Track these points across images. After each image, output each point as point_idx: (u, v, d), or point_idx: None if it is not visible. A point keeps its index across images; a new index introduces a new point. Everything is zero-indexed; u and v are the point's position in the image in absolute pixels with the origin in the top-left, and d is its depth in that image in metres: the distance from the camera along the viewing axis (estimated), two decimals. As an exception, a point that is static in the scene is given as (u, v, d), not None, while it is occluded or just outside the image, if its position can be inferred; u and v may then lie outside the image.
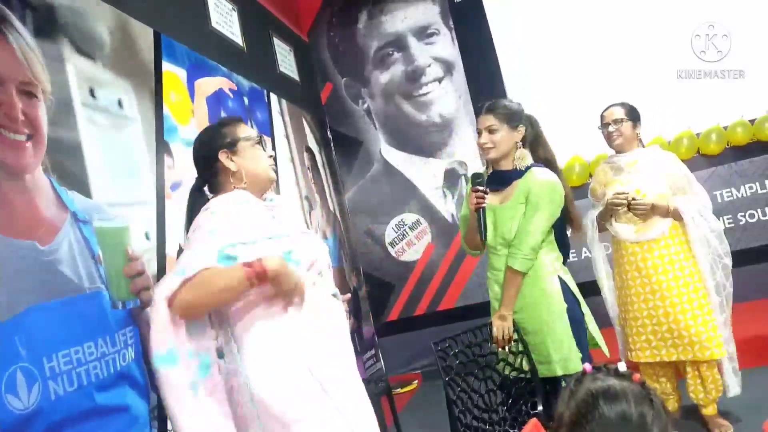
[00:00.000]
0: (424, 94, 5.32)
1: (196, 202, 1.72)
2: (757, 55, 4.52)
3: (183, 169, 2.83)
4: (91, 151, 2.25)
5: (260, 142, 1.74)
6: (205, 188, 1.76)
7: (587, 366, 1.07)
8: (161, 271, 2.49)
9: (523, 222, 2.33)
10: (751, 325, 3.79)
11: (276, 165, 1.88)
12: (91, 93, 2.34)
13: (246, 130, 1.74)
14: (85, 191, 2.18)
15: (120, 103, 2.52)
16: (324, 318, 1.65)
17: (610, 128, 2.96)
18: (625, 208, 2.81)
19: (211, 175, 1.69)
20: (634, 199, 2.78)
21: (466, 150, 5.20)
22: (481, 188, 2.33)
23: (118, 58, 2.57)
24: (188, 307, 1.52)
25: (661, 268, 2.76)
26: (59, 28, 2.24)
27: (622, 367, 1.06)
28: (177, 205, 2.71)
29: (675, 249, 2.77)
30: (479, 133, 2.43)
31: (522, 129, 2.45)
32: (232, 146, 1.68)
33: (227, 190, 1.71)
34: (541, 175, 2.37)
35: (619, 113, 2.97)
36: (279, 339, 1.57)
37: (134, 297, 2.30)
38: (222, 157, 1.67)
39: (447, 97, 5.28)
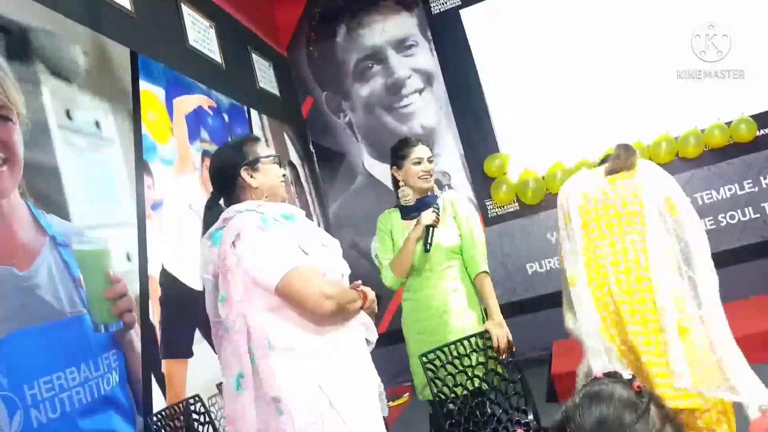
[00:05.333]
0: (405, 106, 5.34)
1: (212, 216, 1.76)
2: (756, 55, 4.55)
3: (163, 189, 2.81)
4: (69, 173, 2.22)
5: (277, 161, 1.82)
6: (221, 203, 1.81)
7: (599, 372, 1.07)
8: (144, 293, 2.46)
9: (468, 233, 2.50)
10: (731, 326, 3.82)
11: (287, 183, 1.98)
12: (68, 115, 2.32)
13: (265, 149, 1.82)
14: (64, 214, 2.15)
15: (97, 124, 2.50)
16: (347, 338, 1.69)
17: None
18: None
19: (230, 191, 1.75)
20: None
21: (448, 161, 5.22)
22: (438, 210, 2.46)
23: (95, 78, 2.55)
24: (339, 311, 1.62)
25: None
26: (33, 50, 2.22)
27: (626, 374, 1.05)
28: (158, 225, 2.69)
29: None
30: (420, 161, 2.53)
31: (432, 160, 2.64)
32: (253, 164, 1.75)
33: None
34: (455, 194, 2.66)
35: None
36: (302, 348, 1.60)
37: (117, 319, 2.27)
38: (244, 174, 1.73)
39: (428, 108, 5.30)
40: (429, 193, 2.56)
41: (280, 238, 1.60)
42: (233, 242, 1.59)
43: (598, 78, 4.85)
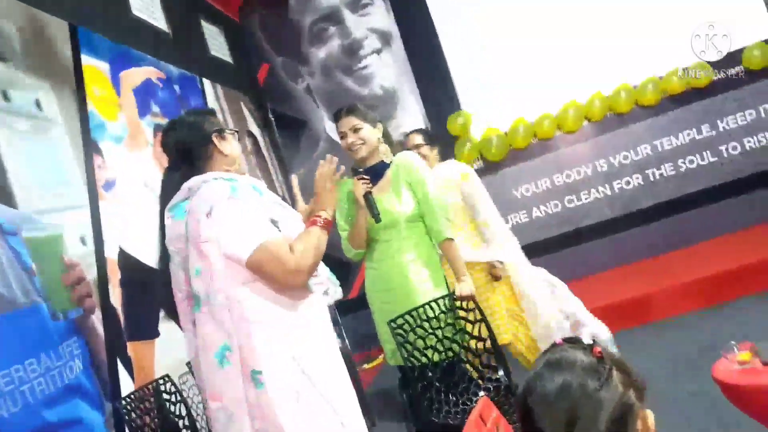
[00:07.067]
0: (364, 68, 5.24)
1: (171, 187, 1.70)
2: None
3: (115, 167, 2.71)
4: (11, 157, 2.12)
5: (236, 136, 1.81)
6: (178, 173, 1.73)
7: (558, 338, 1.04)
8: (102, 276, 2.40)
9: (424, 200, 2.42)
10: (700, 267, 3.93)
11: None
12: (5, 96, 2.20)
13: (223, 119, 1.78)
14: (10, 201, 2.06)
15: (38, 104, 2.38)
16: (315, 306, 1.68)
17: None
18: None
19: (195, 161, 1.70)
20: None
21: (411, 121, 5.16)
22: (365, 176, 2.35)
23: (32, 56, 2.42)
24: (313, 269, 1.61)
25: None
26: (-40, 28, 2.09)
27: (586, 339, 1.02)
28: (112, 205, 2.61)
29: None
30: (343, 135, 2.43)
31: (380, 126, 2.51)
32: (221, 132, 1.73)
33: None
34: (411, 156, 2.50)
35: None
36: (273, 324, 1.58)
37: (76, 306, 2.21)
38: (216, 141, 1.70)
39: (387, 69, 5.21)
40: (380, 161, 2.48)
41: (250, 209, 1.56)
42: (208, 213, 1.53)
43: (556, 31, 4.82)
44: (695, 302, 3.60)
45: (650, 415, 0.94)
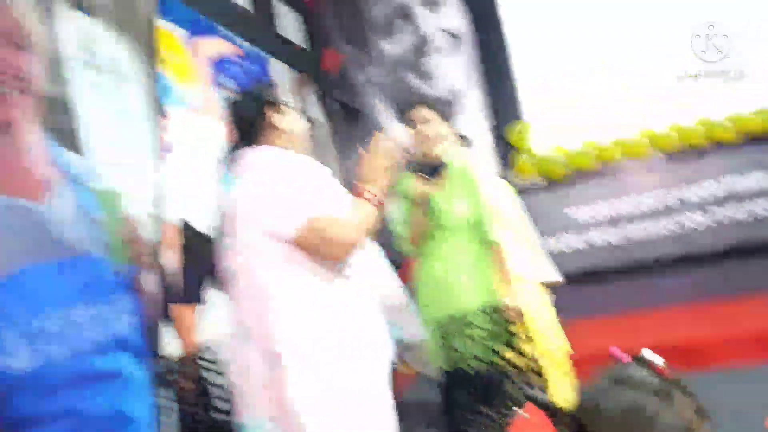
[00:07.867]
0: (430, 66, 5.21)
1: (230, 159, 1.72)
2: (757, 55, 4.46)
3: (178, 132, 2.75)
4: (86, 108, 2.16)
5: (301, 112, 1.80)
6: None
7: (617, 352, 1.00)
8: (158, 237, 2.42)
9: (477, 201, 2.44)
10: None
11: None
12: (87, 49, 2.24)
13: (285, 95, 1.78)
14: (80, 150, 2.09)
15: (116, 61, 2.42)
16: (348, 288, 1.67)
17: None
18: None
19: (254, 134, 1.69)
20: None
21: (471, 126, 5.12)
22: (424, 174, 2.33)
23: (116, 14, 2.46)
24: (360, 243, 1.61)
25: None
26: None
27: (647, 354, 0.98)
28: (176, 169, 2.64)
29: None
30: (414, 126, 2.40)
31: (448, 126, 2.52)
32: (277, 104, 1.73)
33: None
34: (469, 156, 2.56)
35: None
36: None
37: (131, 262, 2.22)
38: (269, 112, 1.68)
39: (454, 70, 5.17)
40: (437, 157, 2.45)
41: (296, 185, 1.55)
42: (252, 189, 1.52)
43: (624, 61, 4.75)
44: (757, 354, 3.43)
45: None
